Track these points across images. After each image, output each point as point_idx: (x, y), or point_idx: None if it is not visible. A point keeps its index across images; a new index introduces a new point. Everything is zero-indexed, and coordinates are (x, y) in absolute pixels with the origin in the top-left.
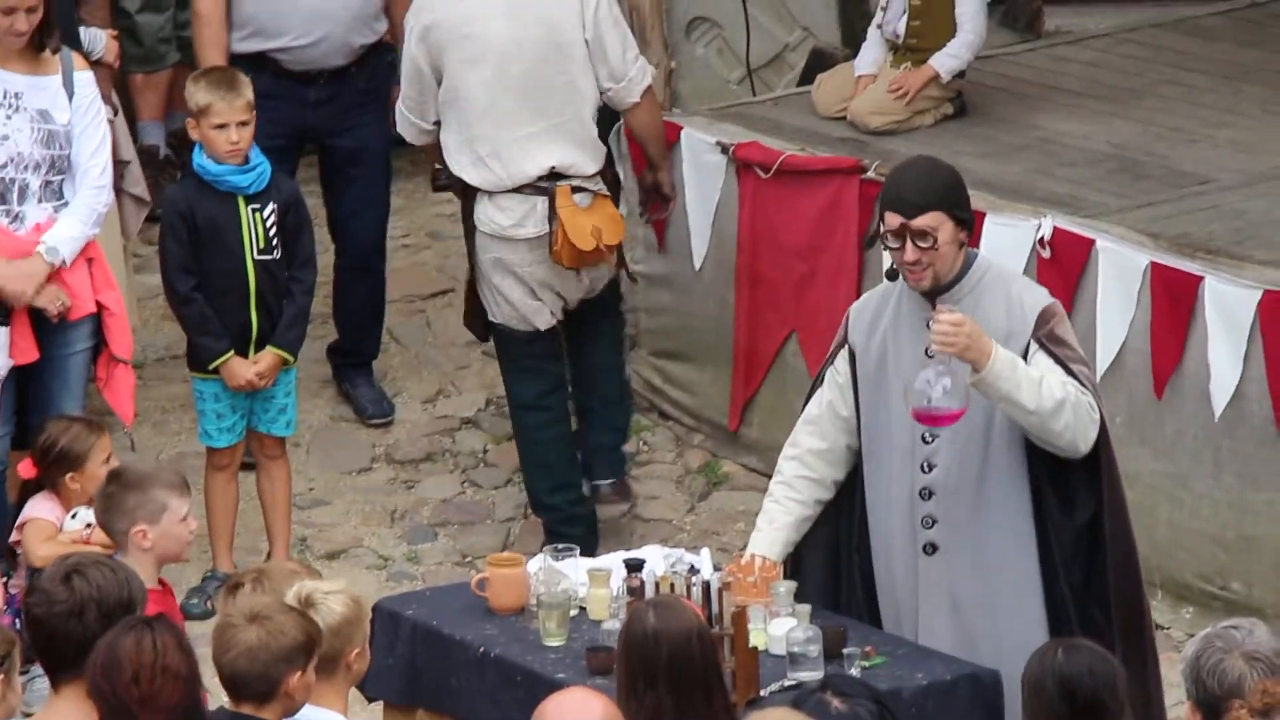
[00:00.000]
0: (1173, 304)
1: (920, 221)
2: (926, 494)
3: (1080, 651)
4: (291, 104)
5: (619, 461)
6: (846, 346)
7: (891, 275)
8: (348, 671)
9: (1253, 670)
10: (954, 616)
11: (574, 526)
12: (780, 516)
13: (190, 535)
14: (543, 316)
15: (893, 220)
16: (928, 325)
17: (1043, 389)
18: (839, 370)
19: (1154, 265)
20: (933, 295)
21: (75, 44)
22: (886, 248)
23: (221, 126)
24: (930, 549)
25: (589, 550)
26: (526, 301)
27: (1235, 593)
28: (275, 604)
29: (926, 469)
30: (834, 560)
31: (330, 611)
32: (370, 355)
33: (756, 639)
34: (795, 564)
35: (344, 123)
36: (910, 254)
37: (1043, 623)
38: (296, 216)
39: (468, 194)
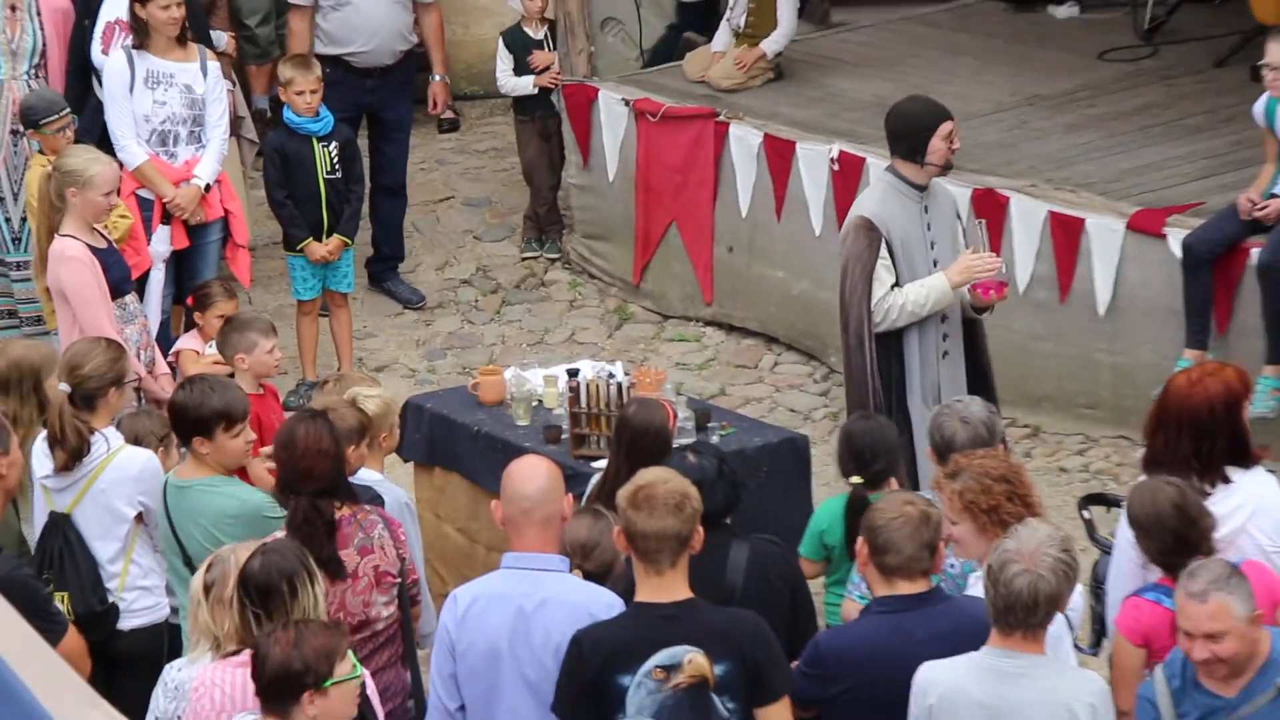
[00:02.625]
0: None
1: None
2: (943, 319)
3: (870, 420)
4: (355, 90)
5: None
6: (884, 243)
7: (948, 167)
8: (380, 448)
9: (963, 429)
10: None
11: None
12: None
13: (276, 362)
14: None
15: (951, 124)
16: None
17: None
18: (885, 258)
19: None
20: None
21: (208, 42)
22: (919, 161)
23: (300, 93)
24: (944, 354)
25: None
26: None
27: None
28: (339, 401)
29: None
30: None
31: (368, 408)
32: (400, 258)
33: None
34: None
35: (390, 102)
36: (957, 143)
37: None
38: (351, 151)
39: None
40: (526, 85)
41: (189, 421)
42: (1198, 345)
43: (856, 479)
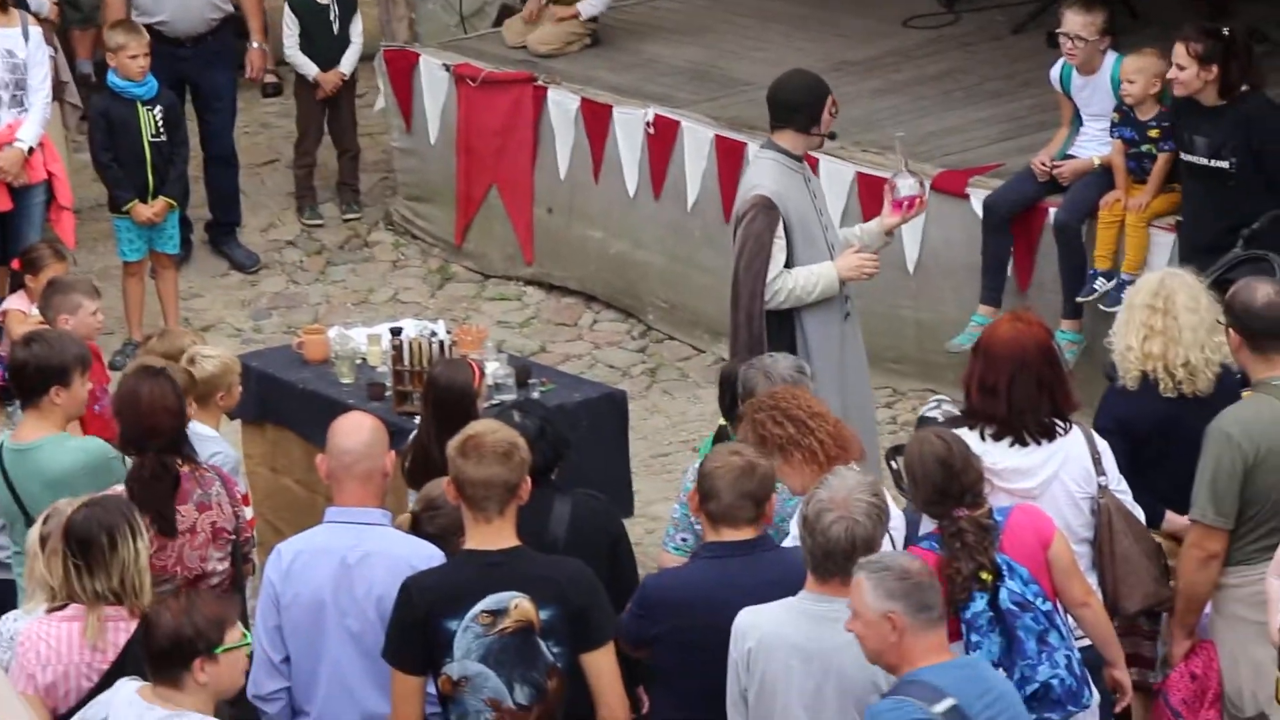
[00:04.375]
0: (729, 162)
1: None
2: (844, 285)
3: (742, 365)
4: (170, 59)
5: None
6: (781, 221)
7: (832, 135)
8: (218, 405)
9: (764, 382)
10: (858, 354)
11: None
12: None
13: (100, 323)
14: None
15: (831, 97)
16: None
17: None
18: (781, 237)
19: (718, 137)
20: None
21: (26, 7)
22: (812, 131)
23: (133, 56)
24: (846, 316)
25: None
26: None
27: None
28: (167, 361)
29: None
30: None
31: (205, 367)
32: (237, 222)
33: None
34: None
35: (206, 70)
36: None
37: None
38: (176, 114)
39: None
40: (308, 71)
41: (51, 370)
42: (992, 302)
43: (722, 421)
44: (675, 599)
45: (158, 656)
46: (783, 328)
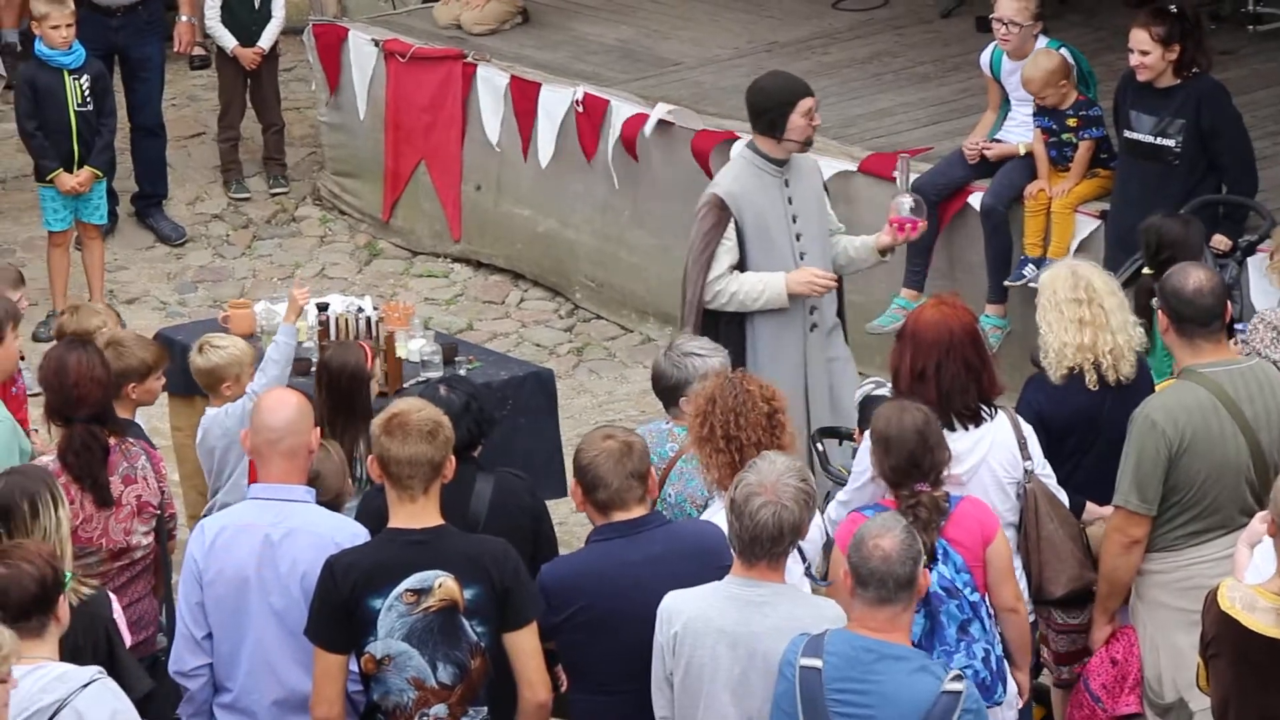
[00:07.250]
0: None
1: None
2: (806, 298)
3: (1166, 218)
4: (100, 28)
5: None
6: (732, 222)
7: (808, 143)
8: (224, 394)
9: (676, 370)
10: (829, 366)
11: None
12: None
13: (25, 306)
14: None
15: (811, 100)
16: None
17: None
18: (730, 239)
19: (642, 115)
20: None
21: None
22: (778, 137)
23: (56, 26)
24: (812, 327)
25: None
26: None
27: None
28: (128, 335)
29: None
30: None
31: (211, 358)
32: (164, 195)
33: (400, 351)
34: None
35: (135, 41)
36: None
37: None
38: (103, 84)
39: None
40: (227, 44)
41: None
42: (914, 285)
43: (1146, 270)
44: (570, 584)
45: (33, 605)
46: (731, 329)
